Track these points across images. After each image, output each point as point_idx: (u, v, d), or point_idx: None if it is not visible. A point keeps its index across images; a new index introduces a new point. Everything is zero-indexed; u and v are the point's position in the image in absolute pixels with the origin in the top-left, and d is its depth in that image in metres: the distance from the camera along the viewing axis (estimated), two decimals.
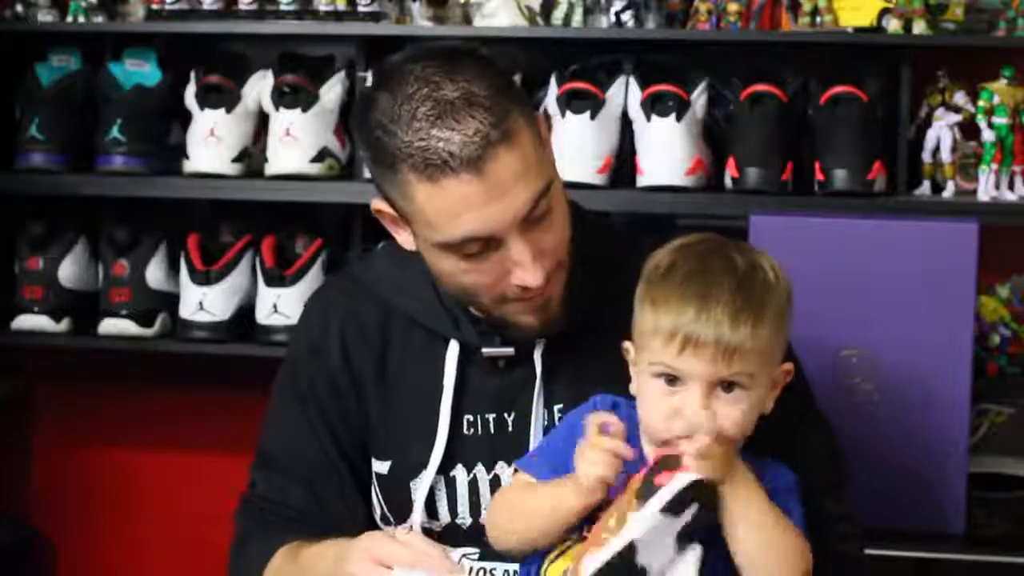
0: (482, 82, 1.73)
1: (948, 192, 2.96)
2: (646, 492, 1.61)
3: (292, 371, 1.98)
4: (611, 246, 1.83)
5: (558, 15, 3.08)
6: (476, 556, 1.85)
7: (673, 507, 1.60)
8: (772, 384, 1.75)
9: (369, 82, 3.06)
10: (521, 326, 1.84)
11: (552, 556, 1.73)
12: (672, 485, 1.61)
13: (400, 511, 1.92)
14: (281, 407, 1.98)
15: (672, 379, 1.70)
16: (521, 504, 1.76)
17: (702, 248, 1.75)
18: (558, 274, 1.81)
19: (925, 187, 2.99)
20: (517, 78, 3.03)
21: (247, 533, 1.97)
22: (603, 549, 1.59)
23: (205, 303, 3.12)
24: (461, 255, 1.76)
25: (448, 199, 1.71)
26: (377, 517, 1.95)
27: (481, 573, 1.88)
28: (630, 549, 1.59)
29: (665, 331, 1.69)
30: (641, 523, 1.59)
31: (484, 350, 1.88)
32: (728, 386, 1.69)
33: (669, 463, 1.63)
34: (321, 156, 3.10)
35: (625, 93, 3.04)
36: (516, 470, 1.81)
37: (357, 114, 1.81)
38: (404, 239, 1.84)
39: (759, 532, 1.68)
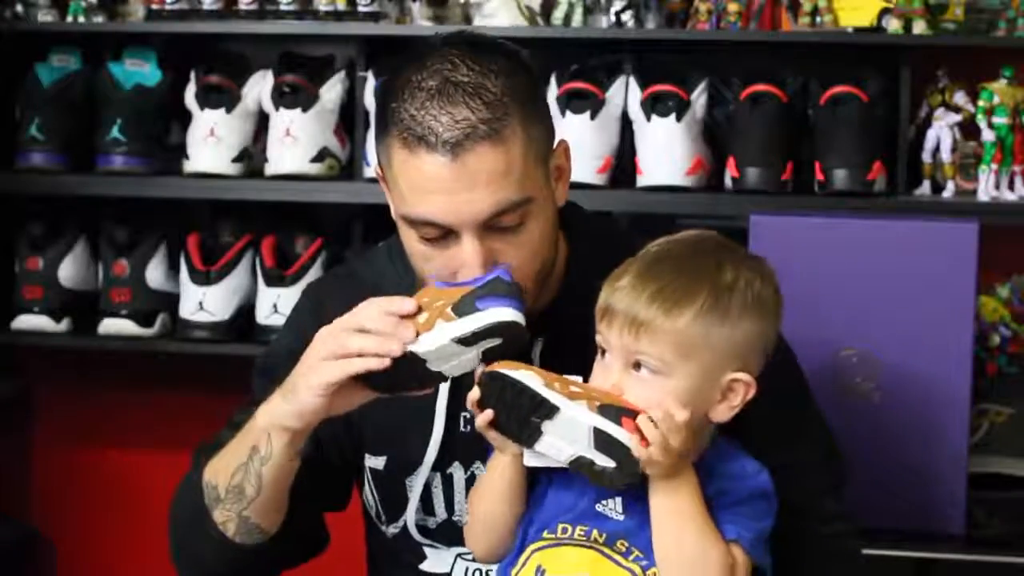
0: (499, 80, 1.73)
1: (948, 192, 2.97)
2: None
3: (275, 360, 1.93)
4: (609, 248, 1.82)
5: (558, 15, 3.08)
6: (471, 555, 1.84)
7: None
8: (723, 390, 1.70)
9: (370, 82, 3.07)
10: None
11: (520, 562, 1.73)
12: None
13: (395, 507, 1.91)
14: (261, 391, 1.88)
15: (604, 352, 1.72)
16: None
17: (690, 239, 1.75)
18: None
19: (925, 187, 2.99)
20: None
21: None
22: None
23: (205, 303, 3.12)
24: (420, 236, 1.76)
25: (419, 173, 1.72)
26: (372, 514, 1.95)
27: (477, 574, 1.88)
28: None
29: (601, 306, 1.71)
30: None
31: None
32: (637, 366, 1.68)
33: (623, 411, 1.64)
34: (321, 156, 3.10)
35: (625, 93, 3.04)
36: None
37: (383, 81, 1.82)
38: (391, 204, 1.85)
39: (675, 538, 1.65)
